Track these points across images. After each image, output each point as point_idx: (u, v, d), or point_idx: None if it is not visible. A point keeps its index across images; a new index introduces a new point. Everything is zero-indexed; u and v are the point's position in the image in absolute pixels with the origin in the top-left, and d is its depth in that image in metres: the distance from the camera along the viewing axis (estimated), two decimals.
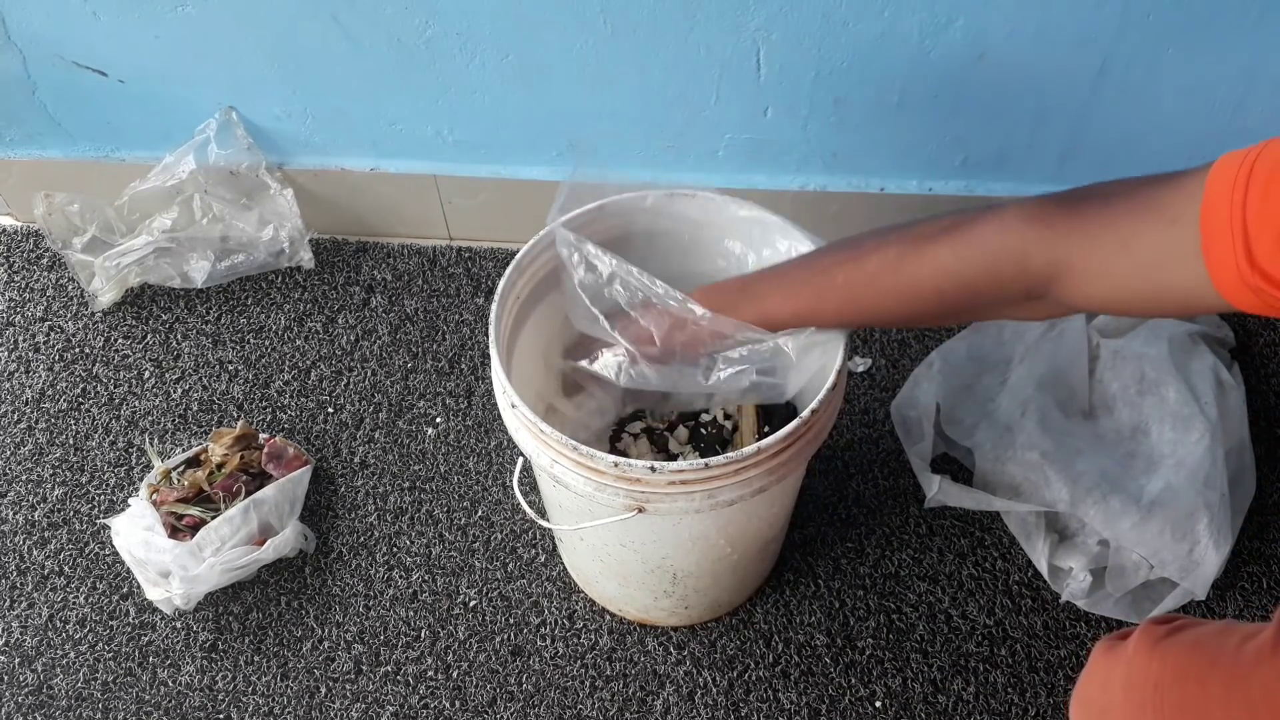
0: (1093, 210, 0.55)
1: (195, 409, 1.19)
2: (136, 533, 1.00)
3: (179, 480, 1.07)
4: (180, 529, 1.01)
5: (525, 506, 0.84)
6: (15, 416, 1.19)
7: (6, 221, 1.38)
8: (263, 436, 1.12)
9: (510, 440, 1.02)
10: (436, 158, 1.22)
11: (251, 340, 1.24)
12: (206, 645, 1.03)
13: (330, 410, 1.18)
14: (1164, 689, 0.59)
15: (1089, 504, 0.99)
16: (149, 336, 1.25)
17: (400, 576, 1.06)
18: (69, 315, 1.28)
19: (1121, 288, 0.54)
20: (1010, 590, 1.03)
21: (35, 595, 1.06)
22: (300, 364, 1.22)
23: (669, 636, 1.01)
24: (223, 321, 1.26)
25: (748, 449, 0.69)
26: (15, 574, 1.08)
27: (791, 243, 0.80)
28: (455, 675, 1.00)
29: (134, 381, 1.22)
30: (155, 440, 1.17)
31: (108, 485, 1.14)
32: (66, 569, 1.08)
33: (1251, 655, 0.56)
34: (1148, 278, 0.53)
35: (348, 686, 1.00)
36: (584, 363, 0.78)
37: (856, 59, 1.03)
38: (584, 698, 0.98)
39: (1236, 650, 0.57)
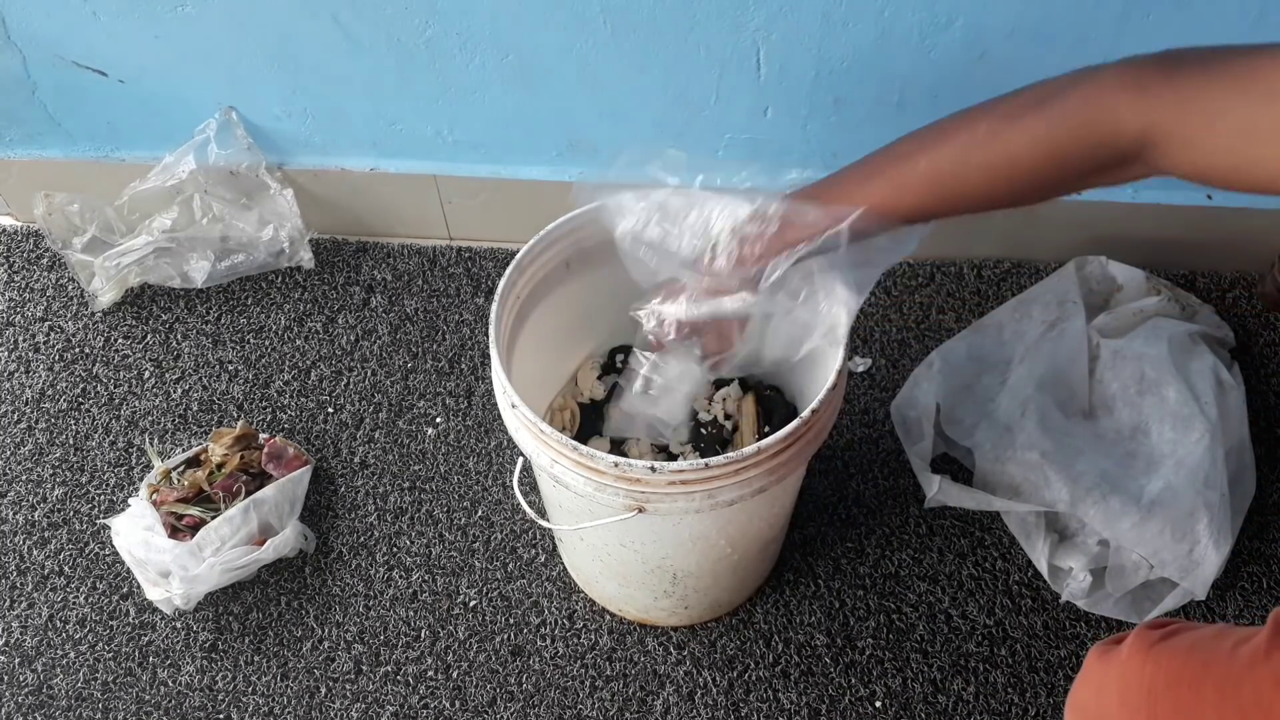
0: (1190, 76, 0.52)
1: (195, 409, 1.19)
2: (136, 533, 1.00)
3: (179, 480, 1.07)
4: (180, 529, 1.01)
5: (525, 506, 0.84)
6: (15, 416, 1.19)
7: (6, 221, 1.38)
8: (263, 436, 1.12)
9: (510, 440, 1.02)
10: (436, 158, 1.22)
11: (251, 340, 1.24)
12: (206, 645, 1.03)
13: (330, 410, 1.18)
14: (1158, 694, 0.59)
15: (1089, 504, 0.99)
16: (149, 336, 1.25)
17: (400, 576, 1.06)
18: (69, 315, 1.28)
19: (1209, 159, 0.52)
20: (1010, 590, 1.03)
21: (35, 595, 1.06)
22: (300, 364, 1.22)
23: (669, 636, 1.01)
24: (223, 321, 1.26)
25: (748, 449, 0.69)
26: (15, 574, 1.08)
27: None
28: (455, 675, 1.00)
29: (134, 381, 1.22)
30: (155, 440, 1.17)
31: (108, 485, 1.14)
32: (66, 569, 1.08)
33: (1245, 660, 0.56)
34: (1235, 151, 0.50)
35: (348, 686, 1.00)
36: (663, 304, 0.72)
37: (856, 59, 1.03)
38: (584, 698, 0.98)
39: (1230, 655, 0.57)
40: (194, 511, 1.02)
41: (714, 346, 0.75)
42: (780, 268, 0.67)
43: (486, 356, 1.21)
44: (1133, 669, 0.61)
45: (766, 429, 0.97)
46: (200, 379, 1.21)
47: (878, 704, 0.97)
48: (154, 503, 1.03)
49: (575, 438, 0.80)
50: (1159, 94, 0.53)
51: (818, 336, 0.72)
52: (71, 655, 1.03)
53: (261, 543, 1.01)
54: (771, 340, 0.74)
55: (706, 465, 0.69)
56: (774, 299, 0.69)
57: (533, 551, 1.07)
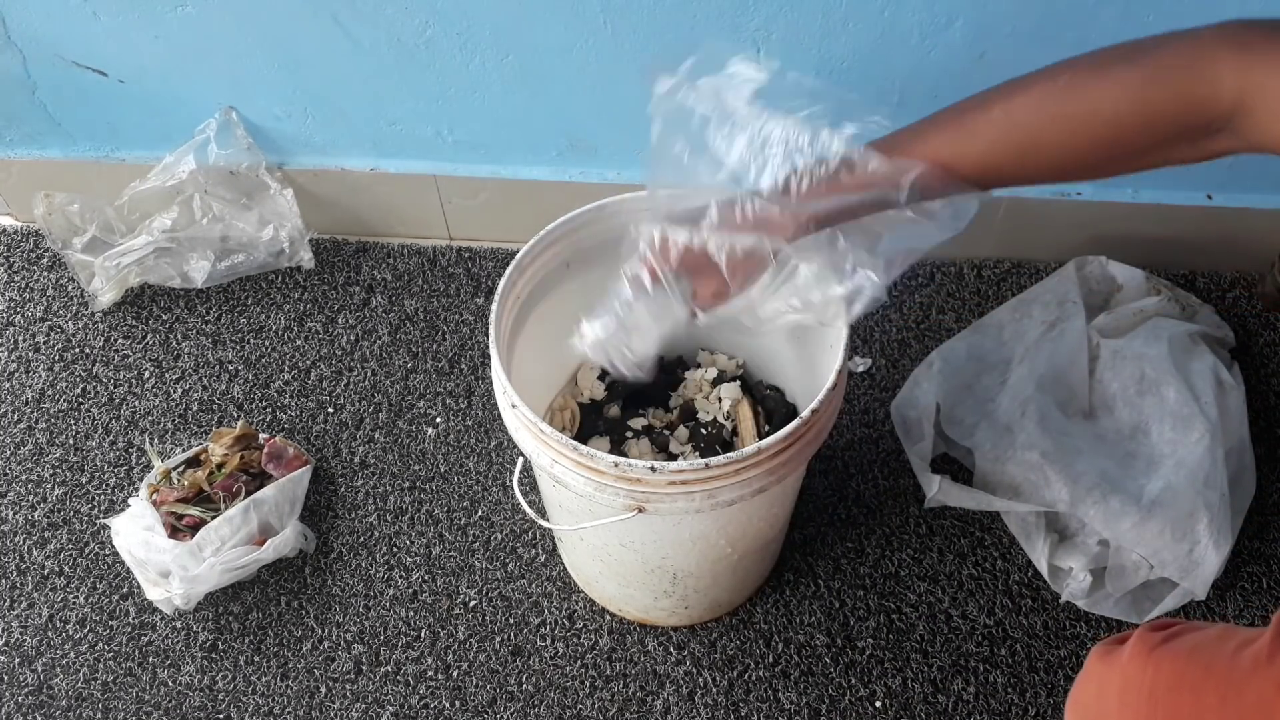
0: None
1: (195, 409, 1.19)
2: (136, 533, 1.00)
3: (179, 480, 1.07)
4: (180, 529, 1.01)
5: (525, 506, 0.84)
6: (15, 416, 1.19)
7: (6, 221, 1.39)
8: (263, 436, 1.12)
9: (510, 440, 1.02)
10: (436, 158, 1.22)
11: (251, 340, 1.25)
12: (206, 645, 1.03)
13: (330, 410, 1.18)
14: (1158, 697, 0.58)
15: (1089, 504, 0.99)
16: (149, 336, 1.25)
17: (400, 576, 1.06)
18: (69, 315, 1.28)
19: None
20: (1010, 590, 1.03)
21: (35, 595, 1.06)
22: (300, 364, 1.22)
23: (669, 636, 1.01)
24: (223, 321, 1.26)
25: (748, 449, 0.69)
26: (15, 574, 1.08)
27: None
28: (455, 675, 1.00)
29: (134, 381, 1.22)
30: (155, 440, 1.17)
31: (108, 485, 1.14)
32: (66, 569, 1.08)
33: (1247, 664, 0.55)
34: None
35: (348, 686, 1.00)
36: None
37: (856, 59, 1.03)
38: (584, 698, 0.98)
39: (1232, 658, 0.56)
40: (194, 511, 1.02)
41: (705, 293, 0.69)
42: (824, 209, 0.61)
43: (486, 356, 1.21)
44: (1134, 671, 0.61)
45: (767, 429, 0.97)
46: (200, 379, 1.21)
47: (878, 704, 0.97)
48: (154, 503, 1.03)
49: (575, 438, 0.80)
50: (1263, 54, 0.50)
51: (827, 314, 0.67)
52: (71, 655, 1.03)
53: (261, 543, 1.01)
54: (774, 302, 0.69)
55: (706, 465, 0.69)
56: (803, 255, 0.64)
57: (533, 551, 1.07)
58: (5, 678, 1.02)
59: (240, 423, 1.12)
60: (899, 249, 0.64)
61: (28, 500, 1.13)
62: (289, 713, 0.98)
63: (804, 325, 0.71)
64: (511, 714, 0.98)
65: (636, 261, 0.68)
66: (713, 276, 0.66)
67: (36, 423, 1.19)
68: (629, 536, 0.83)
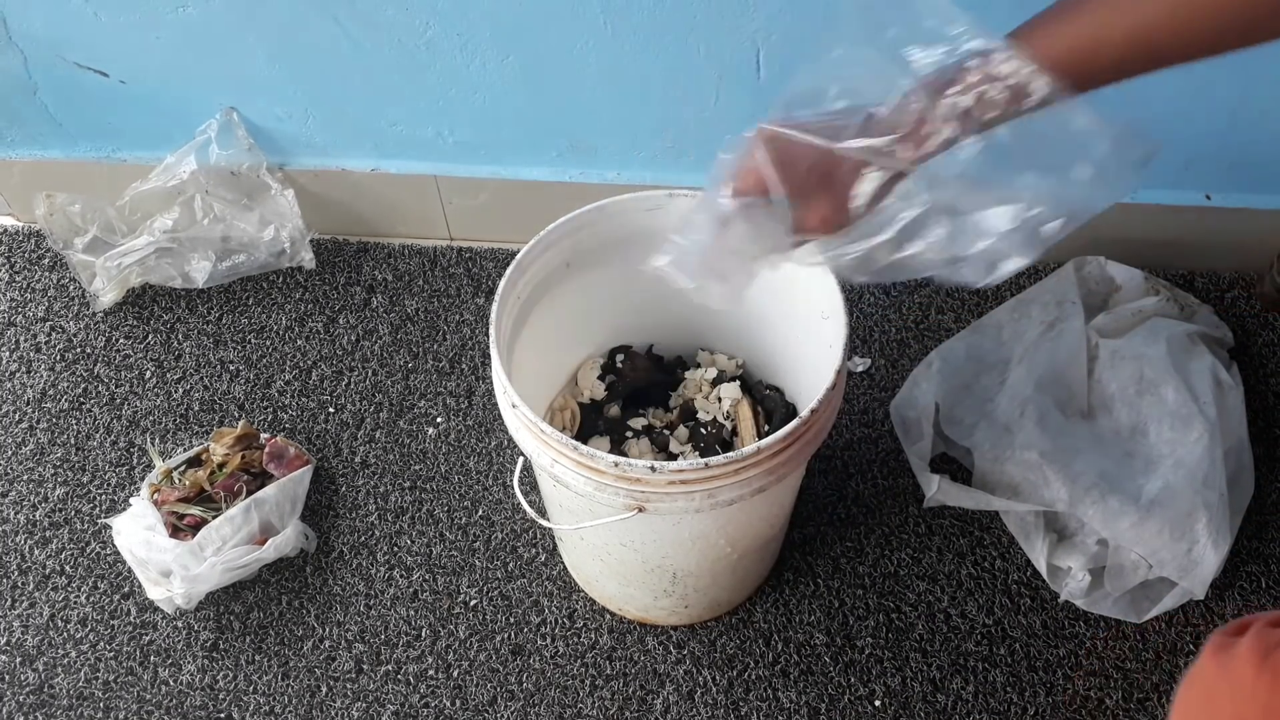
0: None
1: (196, 409, 1.19)
2: (138, 532, 1.00)
3: (180, 480, 1.07)
4: (181, 528, 1.02)
5: (525, 506, 0.84)
6: (17, 416, 1.20)
7: (8, 222, 1.39)
8: (264, 436, 1.12)
9: (511, 440, 1.03)
10: (437, 158, 1.22)
11: (253, 340, 1.25)
12: (207, 644, 1.03)
13: (331, 410, 1.18)
14: (1274, 712, 0.54)
15: (1088, 503, 0.99)
16: (150, 336, 1.26)
17: (401, 576, 1.06)
18: (70, 315, 1.28)
19: None
20: (1009, 589, 1.03)
21: (37, 594, 1.07)
22: (301, 364, 1.22)
23: (669, 635, 1.02)
24: (224, 321, 1.27)
25: (748, 449, 0.69)
26: (16, 573, 1.08)
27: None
28: (456, 674, 1.00)
29: (135, 381, 1.22)
30: (156, 440, 1.17)
31: (109, 485, 1.14)
32: (68, 568, 1.08)
33: None
34: None
35: (348, 685, 1.00)
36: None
37: None
38: (584, 696, 0.98)
39: None
40: (195, 511, 1.03)
41: (814, 217, 0.56)
42: (966, 120, 0.51)
43: (487, 356, 1.21)
44: (1247, 681, 0.55)
45: (767, 429, 0.97)
46: (201, 379, 1.22)
47: (877, 703, 0.97)
48: (155, 502, 1.03)
49: (575, 438, 0.81)
50: None
51: (958, 270, 0.55)
52: (73, 654, 1.03)
53: (262, 542, 1.02)
54: (912, 244, 0.56)
55: (706, 465, 0.69)
56: (952, 188, 0.53)
57: (533, 551, 1.07)
58: (6, 677, 1.02)
59: (241, 422, 1.12)
60: (1077, 192, 0.53)
61: (29, 500, 1.13)
62: (290, 712, 0.99)
63: (913, 275, 0.58)
64: (512, 713, 0.98)
65: (745, 166, 0.55)
66: (827, 198, 0.55)
67: (38, 422, 1.19)
68: (629, 536, 0.83)
